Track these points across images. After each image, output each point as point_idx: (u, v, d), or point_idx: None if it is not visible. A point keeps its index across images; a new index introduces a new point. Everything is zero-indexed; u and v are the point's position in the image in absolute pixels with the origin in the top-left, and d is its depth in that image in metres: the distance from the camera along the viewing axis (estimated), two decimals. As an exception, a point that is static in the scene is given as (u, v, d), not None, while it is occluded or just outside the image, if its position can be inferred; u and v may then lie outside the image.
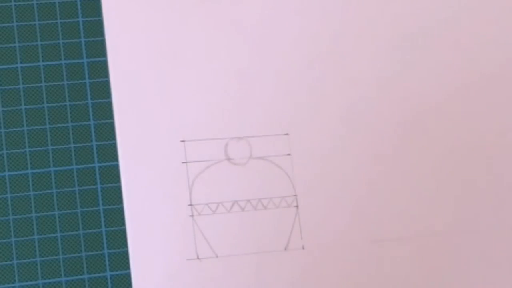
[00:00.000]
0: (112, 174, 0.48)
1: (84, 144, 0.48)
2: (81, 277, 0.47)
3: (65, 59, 0.49)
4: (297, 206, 0.49)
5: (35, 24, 0.49)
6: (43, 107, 0.48)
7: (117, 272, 0.47)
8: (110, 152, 0.48)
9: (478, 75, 0.52)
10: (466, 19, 0.53)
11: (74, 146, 0.48)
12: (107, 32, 0.49)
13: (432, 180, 0.50)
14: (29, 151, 0.48)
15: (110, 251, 0.47)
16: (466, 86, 0.52)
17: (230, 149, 0.49)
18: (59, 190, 0.48)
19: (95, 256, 0.47)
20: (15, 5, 0.49)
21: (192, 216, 0.48)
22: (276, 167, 0.49)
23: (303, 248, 0.49)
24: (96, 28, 0.50)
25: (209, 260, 0.48)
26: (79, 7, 0.50)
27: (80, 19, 0.50)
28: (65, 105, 0.49)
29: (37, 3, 0.50)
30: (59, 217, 0.47)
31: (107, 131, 0.49)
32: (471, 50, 0.52)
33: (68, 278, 0.47)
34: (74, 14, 0.50)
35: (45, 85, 0.49)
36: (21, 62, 0.49)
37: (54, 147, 0.48)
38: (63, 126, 0.48)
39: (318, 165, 0.50)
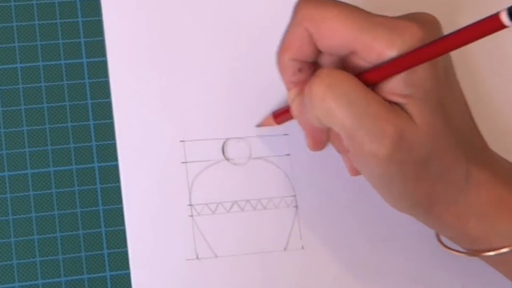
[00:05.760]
0: (112, 174, 0.48)
1: (84, 144, 0.48)
2: (80, 277, 0.47)
3: (64, 59, 0.49)
4: (296, 206, 0.49)
5: (34, 24, 0.49)
6: (43, 107, 0.48)
7: (116, 272, 0.47)
8: (109, 152, 0.48)
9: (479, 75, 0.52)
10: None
11: (73, 146, 0.48)
12: (106, 32, 0.49)
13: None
14: (29, 151, 0.48)
15: (109, 251, 0.47)
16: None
17: (230, 149, 0.49)
18: (58, 190, 0.48)
19: (94, 256, 0.47)
20: (14, 5, 0.49)
21: (191, 216, 0.48)
22: (275, 168, 0.49)
23: (303, 248, 0.49)
24: (96, 28, 0.50)
25: (208, 260, 0.48)
26: (78, 7, 0.50)
27: (80, 19, 0.50)
28: (65, 105, 0.49)
29: (36, 3, 0.50)
30: (58, 217, 0.47)
31: (107, 131, 0.49)
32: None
33: (67, 278, 0.47)
34: (73, 14, 0.50)
35: (45, 85, 0.49)
36: (20, 62, 0.49)
37: (53, 147, 0.48)
38: (62, 126, 0.48)
39: (317, 165, 0.50)
